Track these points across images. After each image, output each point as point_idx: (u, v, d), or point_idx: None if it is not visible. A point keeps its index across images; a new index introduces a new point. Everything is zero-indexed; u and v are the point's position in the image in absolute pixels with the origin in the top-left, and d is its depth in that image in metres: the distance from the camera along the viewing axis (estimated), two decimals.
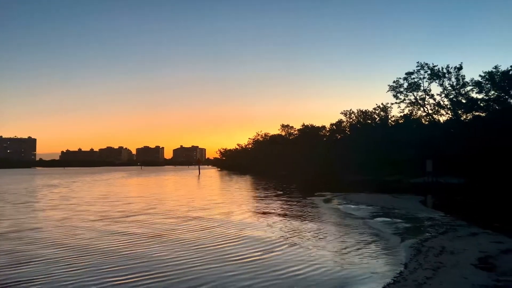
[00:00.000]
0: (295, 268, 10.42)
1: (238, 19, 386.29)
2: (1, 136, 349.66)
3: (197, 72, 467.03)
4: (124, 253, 12.26)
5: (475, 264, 10.20)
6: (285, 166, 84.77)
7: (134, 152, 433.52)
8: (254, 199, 31.43)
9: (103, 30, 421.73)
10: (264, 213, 22.20)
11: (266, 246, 13.19)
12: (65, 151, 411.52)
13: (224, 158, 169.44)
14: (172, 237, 14.86)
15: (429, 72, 53.43)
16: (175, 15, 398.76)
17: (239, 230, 16.39)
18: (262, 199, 30.41)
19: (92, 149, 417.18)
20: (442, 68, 52.37)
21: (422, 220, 18.80)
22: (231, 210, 23.64)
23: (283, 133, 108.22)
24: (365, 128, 69.50)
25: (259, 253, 12.14)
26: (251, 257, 11.70)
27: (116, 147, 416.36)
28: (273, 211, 23.06)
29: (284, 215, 21.02)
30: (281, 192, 36.99)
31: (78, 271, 10.19)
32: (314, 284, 9.09)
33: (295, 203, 27.53)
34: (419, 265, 10.25)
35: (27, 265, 10.79)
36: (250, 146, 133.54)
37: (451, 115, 53.08)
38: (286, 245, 13.28)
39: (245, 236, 15.05)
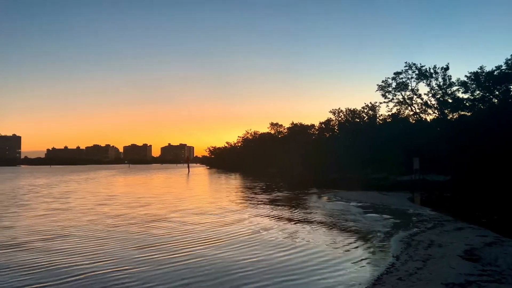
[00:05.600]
0: (293, 257, 10.95)
1: (228, 17, 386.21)
2: None
3: (186, 70, 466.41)
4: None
5: (461, 256, 10.86)
6: (274, 164, 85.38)
7: (121, 150, 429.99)
8: (257, 202, 31.77)
9: (90, 28, 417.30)
10: (275, 217, 22.63)
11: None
12: (50, 149, 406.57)
13: (213, 156, 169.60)
14: None
15: (417, 72, 54.41)
16: (165, 12, 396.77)
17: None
18: (264, 202, 30.77)
19: (78, 147, 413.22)
20: (430, 68, 53.39)
21: (410, 216, 19.50)
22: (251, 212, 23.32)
23: (273, 132, 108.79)
24: (354, 127, 70.41)
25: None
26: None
27: (103, 145, 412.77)
28: (271, 214, 23.55)
29: (280, 217, 21.58)
30: (276, 192, 37.45)
31: None
32: (312, 271, 9.62)
33: (288, 202, 28.15)
34: (410, 257, 10.86)
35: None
36: (240, 144, 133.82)
37: (438, 114, 54.21)
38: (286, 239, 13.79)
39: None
